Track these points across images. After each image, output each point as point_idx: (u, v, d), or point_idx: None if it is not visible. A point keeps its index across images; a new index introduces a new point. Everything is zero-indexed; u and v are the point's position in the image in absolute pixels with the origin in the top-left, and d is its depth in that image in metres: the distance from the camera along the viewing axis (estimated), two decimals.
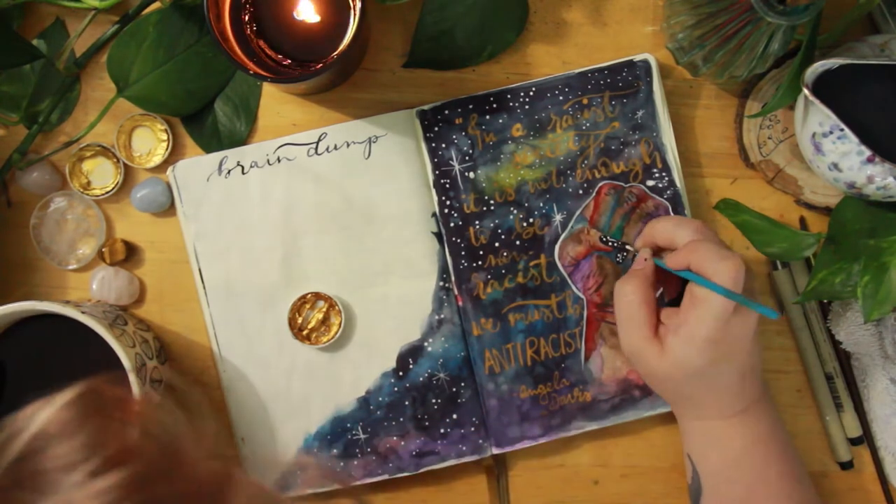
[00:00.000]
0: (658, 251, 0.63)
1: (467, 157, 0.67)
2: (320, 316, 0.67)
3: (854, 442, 0.69)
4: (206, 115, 0.68)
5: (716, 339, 0.57)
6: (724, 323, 0.56)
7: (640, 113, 0.67)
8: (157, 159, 0.67)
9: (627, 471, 0.70)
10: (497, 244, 0.67)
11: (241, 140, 0.68)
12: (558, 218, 0.67)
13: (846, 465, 0.69)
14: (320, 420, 0.67)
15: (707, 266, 0.56)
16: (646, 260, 0.62)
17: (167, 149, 0.67)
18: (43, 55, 0.65)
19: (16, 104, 0.67)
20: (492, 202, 0.67)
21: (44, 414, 0.35)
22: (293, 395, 0.67)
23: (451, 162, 0.67)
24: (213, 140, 0.68)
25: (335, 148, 0.67)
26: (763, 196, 0.69)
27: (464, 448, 0.67)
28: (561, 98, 0.67)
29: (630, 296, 0.60)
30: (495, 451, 0.67)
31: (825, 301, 0.69)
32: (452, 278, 0.67)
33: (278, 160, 0.67)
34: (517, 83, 0.67)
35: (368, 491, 0.69)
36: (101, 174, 0.68)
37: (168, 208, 0.68)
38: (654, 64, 0.67)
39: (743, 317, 0.57)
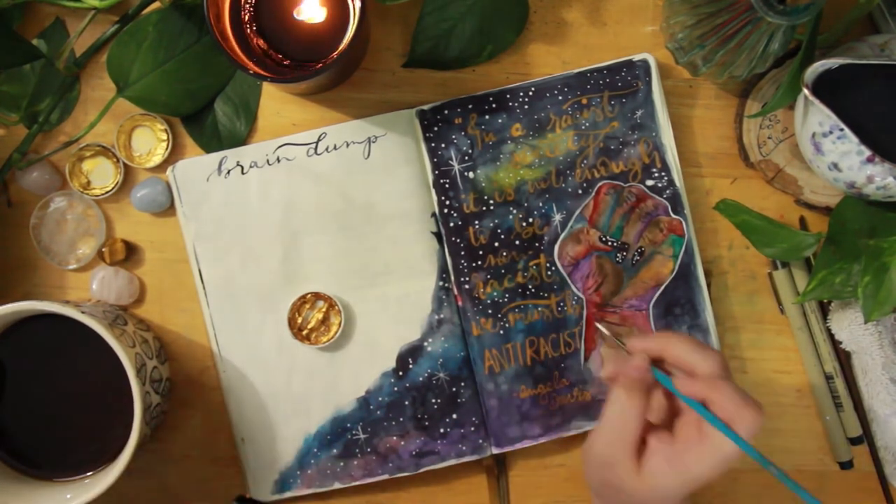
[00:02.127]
0: (658, 363, 0.59)
1: (467, 157, 0.67)
2: (320, 316, 0.67)
3: (854, 442, 0.69)
4: (206, 115, 0.68)
5: (703, 479, 0.54)
6: (717, 467, 0.53)
7: (639, 113, 0.67)
8: (157, 159, 0.67)
9: None
10: (496, 244, 0.67)
11: (241, 140, 0.68)
12: (558, 218, 0.67)
13: (846, 465, 0.69)
14: (320, 420, 0.67)
15: (730, 410, 0.53)
16: (646, 370, 0.57)
17: (167, 149, 0.67)
18: (43, 55, 0.65)
19: (16, 104, 0.67)
20: (491, 202, 0.67)
21: None
22: (293, 394, 0.67)
23: (450, 162, 0.67)
24: (213, 140, 0.68)
25: (335, 148, 0.67)
26: (763, 196, 0.69)
27: (464, 448, 0.67)
28: (560, 98, 0.67)
29: (629, 410, 0.55)
30: (495, 450, 0.67)
31: (825, 301, 0.69)
32: (452, 278, 0.67)
33: (278, 160, 0.67)
34: (517, 83, 0.67)
35: (368, 491, 0.69)
36: (101, 174, 0.68)
37: (168, 208, 0.68)
38: (654, 64, 0.67)
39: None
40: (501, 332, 0.67)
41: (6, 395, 0.62)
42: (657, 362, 0.58)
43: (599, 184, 0.67)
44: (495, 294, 0.67)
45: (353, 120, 0.67)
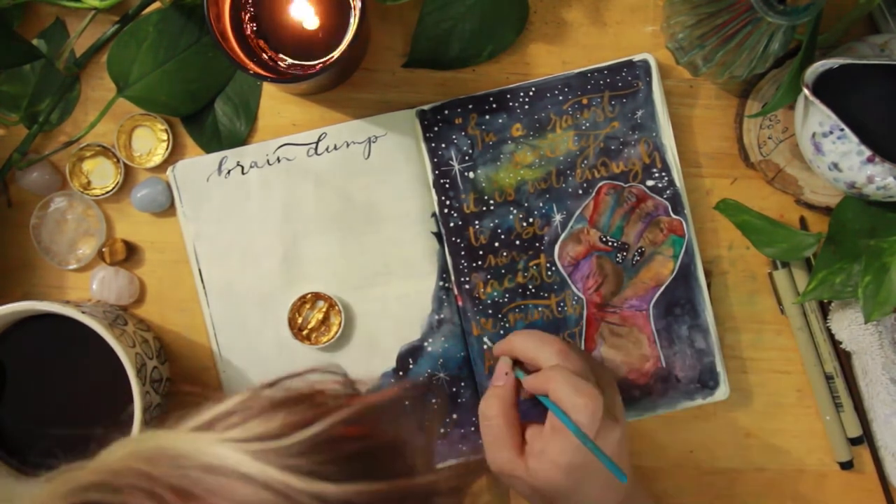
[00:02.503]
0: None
1: (467, 157, 0.67)
2: (320, 316, 0.67)
3: (854, 442, 0.69)
4: (206, 115, 0.68)
5: (579, 464, 0.55)
6: (586, 450, 0.55)
7: (639, 113, 0.67)
8: (157, 159, 0.67)
9: (627, 471, 0.69)
10: (497, 244, 0.67)
11: (241, 140, 0.68)
12: (558, 218, 0.67)
13: (846, 465, 0.69)
14: None
15: (564, 399, 0.55)
16: (507, 374, 0.60)
17: (167, 149, 0.67)
18: (43, 55, 0.65)
19: (16, 104, 0.67)
20: (491, 202, 0.67)
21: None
22: None
23: (450, 162, 0.67)
24: (213, 140, 0.68)
25: (335, 148, 0.67)
26: (763, 196, 0.69)
27: (464, 448, 0.67)
28: (560, 98, 0.67)
29: (493, 420, 0.58)
30: None
31: (825, 301, 0.69)
32: (452, 278, 0.67)
33: (278, 160, 0.67)
34: (517, 83, 0.67)
35: None
36: (101, 174, 0.68)
37: (168, 208, 0.68)
38: (654, 64, 0.67)
39: (605, 435, 0.56)
40: (502, 332, 0.67)
41: (6, 395, 0.62)
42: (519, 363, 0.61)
43: (600, 184, 0.67)
44: (495, 294, 0.67)
45: (353, 120, 0.67)
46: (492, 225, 0.67)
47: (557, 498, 0.57)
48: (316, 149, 0.67)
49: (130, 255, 0.68)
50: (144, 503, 0.32)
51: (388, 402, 0.39)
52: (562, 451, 0.55)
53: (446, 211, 0.67)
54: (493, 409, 0.58)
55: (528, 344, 0.59)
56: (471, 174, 0.67)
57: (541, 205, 0.67)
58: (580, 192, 0.67)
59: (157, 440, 0.35)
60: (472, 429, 0.67)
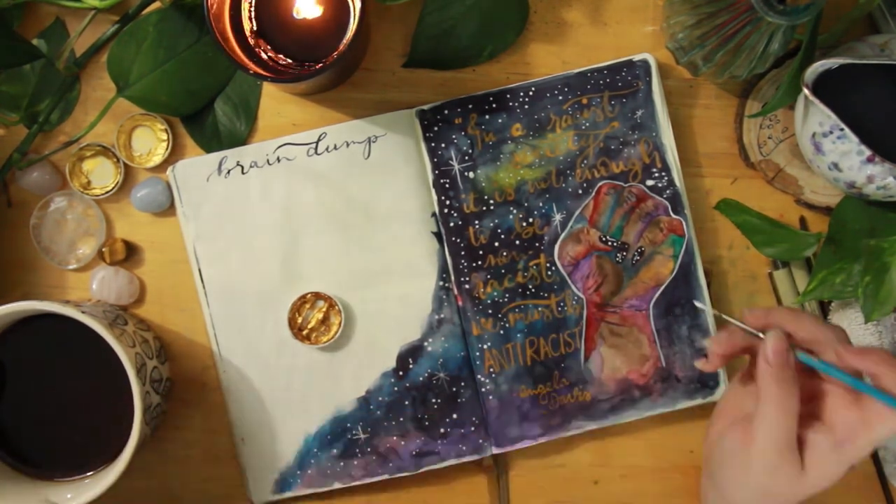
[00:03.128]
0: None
1: (467, 157, 0.67)
2: (320, 316, 0.67)
3: None
4: (206, 115, 0.68)
5: (863, 457, 0.50)
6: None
7: (639, 113, 0.67)
8: (157, 159, 0.67)
9: (627, 471, 0.70)
10: (497, 244, 0.67)
11: (241, 140, 0.68)
12: (558, 218, 0.67)
13: None
14: (320, 420, 0.67)
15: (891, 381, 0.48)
16: (787, 351, 0.51)
17: (167, 149, 0.67)
18: (43, 55, 0.65)
19: (16, 104, 0.67)
20: (491, 202, 0.67)
21: None
22: (293, 394, 0.67)
23: (450, 162, 0.67)
24: (213, 140, 0.68)
25: (335, 148, 0.67)
26: (763, 196, 0.69)
27: (464, 448, 0.67)
28: (560, 98, 0.67)
29: (786, 404, 0.50)
30: (495, 450, 0.67)
31: (825, 301, 0.69)
32: (452, 278, 0.67)
33: (278, 160, 0.67)
34: (517, 83, 0.67)
35: (368, 491, 0.69)
36: (101, 174, 0.68)
37: (168, 208, 0.68)
38: (654, 64, 0.67)
39: None
40: (501, 331, 0.67)
41: (6, 395, 0.62)
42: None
43: (599, 184, 0.67)
44: (495, 294, 0.67)
45: (353, 120, 0.68)
46: (492, 225, 0.67)
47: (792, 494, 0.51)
48: (316, 149, 0.67)
49: (130, 255, 0.68)
50: None
51: None
52: (869, 442, 0.49)
53: (446, 211, 0.67)
54: (786, 390, 0.50)
55: (810, 321, 0.52)
56: (471, 174, 0.67)
57: (541, 205, 0.67)
58: (580, 191, 0.67)
59: None
60: (472, 429, 0.67)
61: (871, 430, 0.49)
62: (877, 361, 0.49)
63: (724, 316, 0.55)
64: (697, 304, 0.65)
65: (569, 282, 0.67)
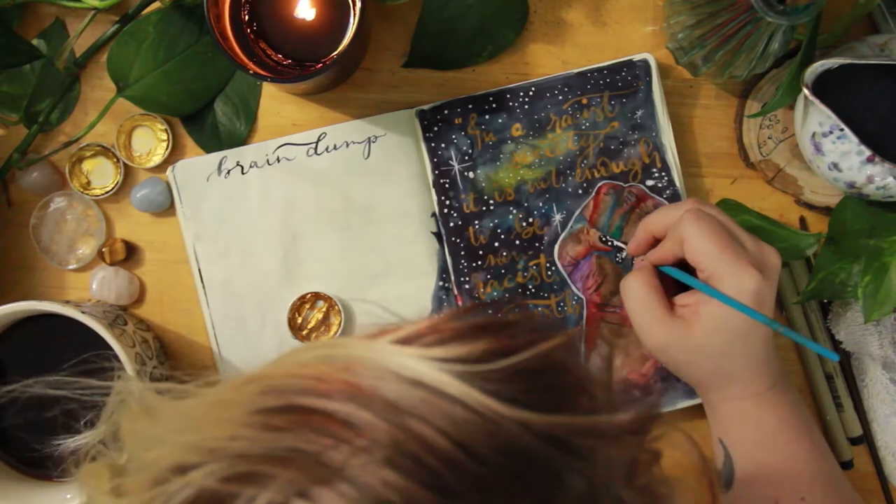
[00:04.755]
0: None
1: (467, 157, 0.67)
2: (320, 316, 0.67)
3: (854, 442, 0.69)
4: (206, 115, 0.68)
5: (737, 325, 0.56)
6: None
7: (639, 113, 0.67)
8: (157, 159, 0.67)
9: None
10: (496, 244, 0.67)
11: (241, 140, 0.68)
12: (558, 218, 0.67)
13: (846, 465, 0.69)
14: None
15: (723, 281, 0.56)
16: (641, 260, 0.61)
17: (167, 149, 0.67)
18: (43, 55, 0.65)
19: (16, 104, 0.67)
20: (491, 202, 0.67)
21: None
22: None
23: (450, 162, 0.67)
24: (213, 140, 0.68)
25: (334, 148, 0.67)
26: (763, 196, 0.69)
27: None
28: (560, 98, 0.67)
29: (637, 288, 0.59)
30: None
31: (825, 301, 0.69)
32: (452, 278, 0.67)
33: (278, 160, 0.67)
34: (517, 83, 0.67)
35: None
36: (101, 174, 0.68)
37: (168, 208, 0.68)
38: (654, 63, 0.67)
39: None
40: None
41: (6, 394, 0.62)
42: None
43: (599, 184, 0.67)
44: (495, 294, 0.67)
45: (353, 120, 0.67)
46: (491, 225, 0.67)
47: (727, 348, 0.57)
48: (316, 149, 0.67)
49: (130, 255, 0.68)
50: (359, 413, 0.31)
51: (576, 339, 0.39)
52: (721, 309, 0.56)
53: (446, 211, 0.67)
54: (633, 278, 0.59)
55: (658, 216, 0.60)
56: (470, 174, 0.67)
57: (540, 205, 0.67)
58: (580, 191, 0.67)
59: (352, 349, 0.34)
60: None
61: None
62: (679, 225, 0.57)
63: (618, 244, 0.67)
64: (617, 242, 0.68)
65: (569, 282, 0.67)
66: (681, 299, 0.59)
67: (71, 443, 0.46)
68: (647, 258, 0.61)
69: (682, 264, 0.59)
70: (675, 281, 0.60)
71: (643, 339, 0.60)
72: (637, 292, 0.59)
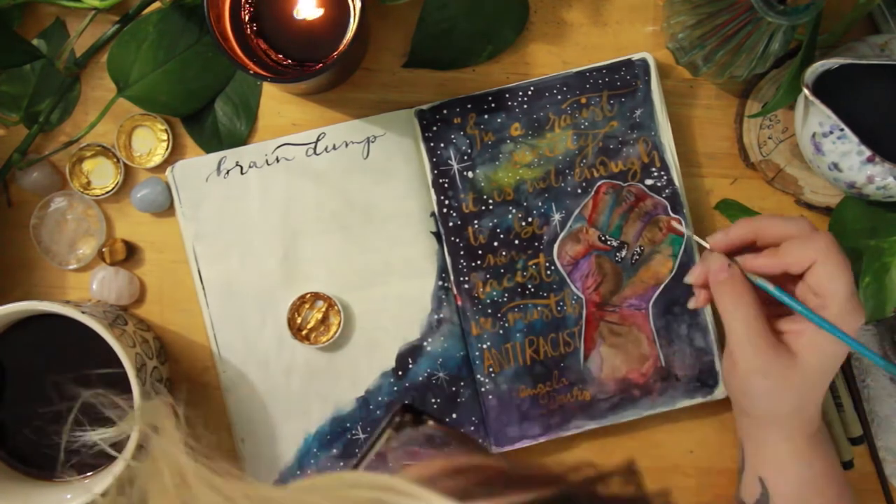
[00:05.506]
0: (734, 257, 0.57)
1: (466, 157, 0.67)
2: (319, 316, 0.67)
3: (854, 442, 0.69)
4: (207, 115, 0.68)
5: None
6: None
7: (638, 112, 0.67)
8: (157, 159, 0.67)
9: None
10: (496, 244, 0.67)
11: (241, 140, 0.68)
12: (557, 217, 0.67)
13: (846, 465, 0.69)
14: (320, 420, 0.67)
15: (844, 322, 0.53)
16: (729, 266, 0.56)
17: (167, 149, 0.67)
18: (43, 55, 0.66)
19: (16, 104, 0.67)
20: (490, 202, 0.67)
21: None
22: (292, 394, 0.67)
23: (449, 161, 0.67)
24: (213, 140, 0.68)
25: (334, 148, 0.67)
26: (763, 196, 0.69)
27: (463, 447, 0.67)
28: (559, 97, 0.67)
29: (744, 301, 0.54)
30: (495, 450, 0.67)
31: None
32: (451, 278, 0.67)
33: (277, 160, 0.67)
34: (516, 83, 0.67)
35: None
36: (101, 174, 0.68)
37: (168, 208, 0.68)
38: (653, 63, 0.67)
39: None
40: (501, 331, 0.67)
41: (6, 395, 0.62)
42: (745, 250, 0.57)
43: (598, 183, 0.67)
44: (494, 294, 0.67)
45: (353, 120, 0.68)
46: (491, 224, 0.67)
47: (814, 386, 0.55)
48: (315, 149, 0.67)
49: (130, 255, 0.68)
50: None
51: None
52: (837, 343, 0.53)
53: (445, 210, 0.67)
54: (737, 289, 0.55)
55: (771, 222, 0.56)
56: (470, 174, 0.67)
57: (540, 204, 0.67)
58: (579, 191, 0.67)
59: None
60: (472, 428, 0.67)
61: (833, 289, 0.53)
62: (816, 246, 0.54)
63: (697, 238, 0.61)
64: (677, 226, 0.66)
65: (568, 281, 0.67)
66: (784, 324, 0.56)
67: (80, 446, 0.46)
68: (742, 263, 0.56)
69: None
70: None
71: (739, 357, 0.55)
72: (745, 306, 0.54)
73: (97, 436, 0.42)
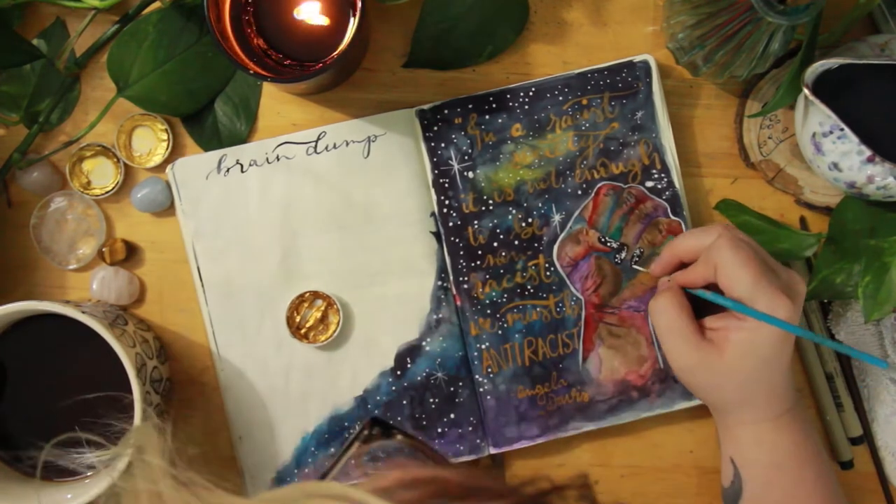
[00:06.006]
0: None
1: (466, 157, 0.67)
2: (318, 315, 0.67)
3: (854, 442, 0.69)
4: (207, 115, 0.68)
5: (770, 353, 0.57)
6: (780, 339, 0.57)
7: (639, 114, 0.67)
8: (157, 159, 0.68)
9: (627, 471, 0.70)
10: (496, 244, 0.67)
11: (241, 140, 0.68)
12: (557, 218, 0.67)
13: (846, 465, 0.69)
14: (318, 419, 0.67)
15: (757, 308, 0.56)
16: (668, 280, 0.61)
17: (167, 148, 0.67)
18: (43, 55, 0.66)
19: (16, 104, 0.67)
20: (491, 202, 0.67)
21: None
22: (291, 393, 0.67)
23: (450, 161, 0.67)
24: (213, 140, 0.68)
25: (334, 147, 0.67)
26: (763, 196, 0.69)
27: (461, 448, 0.67)
28: (560, 98, 0.67)
29: (668, 309, 0.59)
30: (493, 450, 0.67)
31: (825, 301, 0.69)
32: (451, 278, 0.67)
33: (277, 159, 0.67)
34: (517, 83, 0.67)
35: None
36: (102, 174, 0.68)
37: (168, 208, 0.68)
38: (654, 65, 0.67)
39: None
40: (500, 332, 0.67)
41: (6, 395, 0.63)
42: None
43: (599, 185, 0.67)
44: (494, 294, 0.67)
45: (353, 119, 0.68)
46: (491, 225, 0.67)
47: (752, 375, 0.58)
48: (315, 147, 0.67)
49: (130, 255, 0.68)
50: None
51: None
52: (768, 334, 0.56)
53: (445, 210, 0.67)
54: (662, 299, 0.60)
55: (686, 240, 0.60)
56: (470, 174, 0.67)
57: (540, 205, 0.67)
58: (579, 192, 0.67)
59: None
60: (470, 428, 0.67)
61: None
62: (713, 252, 0.57)
63: (637, 267, 0.67)
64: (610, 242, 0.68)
65: (567, 282, 0.67)
66: (710, 322, 0.59)
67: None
68: (673, 279, 0.61)
69: (708, 287, 0.60)
70: (696, 303, 0.60)
71: (670, 359, 0.60)
72: (668, 313, 0.59)
73: (95, 457, 0.43)
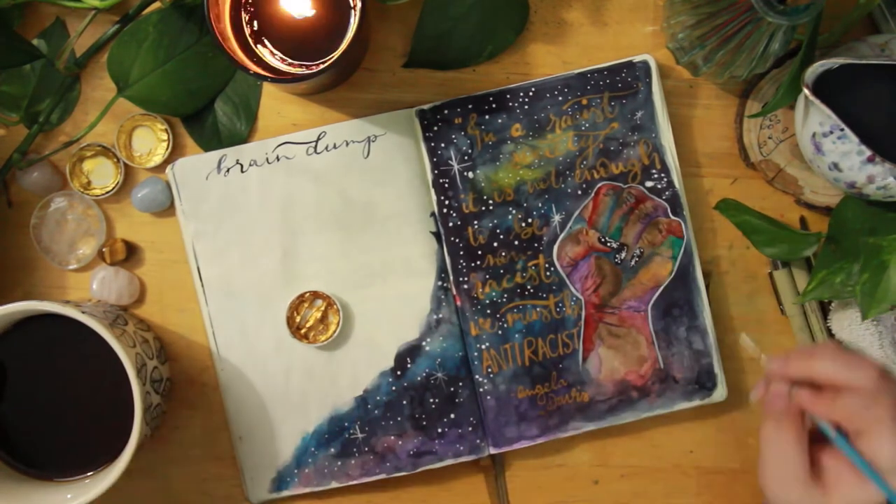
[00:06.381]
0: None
1: (466, 157, 0.67)
2: (318, 315, 0.67)
3: None
4: (207, 115, 0.68)
5: None
6: None
7: (639, 114, 0.67)
8: (157, 159, 0.68)
9: (627, 471, 0.70)
10: (495, 244, 0.67)
11: (241, 140, 0.68)
12: (557, 218, 0.67)
13: None
14: (318, 419, 0.67)
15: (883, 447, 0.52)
16: (786, 396, 0.55)
17: (167, 149, 0.67)
18: (43, 55, 0.66)
19: (16, 104, 0.67)
20: (490, 202, 0.67)
21: None
22: (291, 393, 0.67)
23: (450, 161, 0.67)
24: (213, 140, 0.68)
25: (334, 147, 0.67)
26: (763, 196, 0.69)
27: (461, 448, 0.67)
28: (560, 98, 0.67)
29: (785, 444, 0.54)
30: (493, 451, 0.67)
31: (825, 301, 0.69)
32: (451, 278, 0.67)
33: (277, 159, 0.67)
34: (517, 83, 0.67)
35: (365, 490, 0.69)
36: (102, 174, 0.68)
37: (168, 208, 0.68)
38: (654, 65, 0.67)
39: None
40: (500, 332, 0.67)
41: (6, 395, 0.63)
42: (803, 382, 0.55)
43: (599, 185, 0.67)
44: (494, 294, 0.67)
45: (353, 119, 0.68)
46: (491, 225, 0.67)
47: None
48: (315, 147, 0.67)
49: (130, 255, 0.68)
50: None
51: None
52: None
53: (445, 211, 0.67)
54: (784, 433, 0.54)
55: (833, 365, 0.54)
56: (470, 174, 0.67)
57: (540, 205, 0.67)
58: (579, 192, 0.67)
59: None
60: (470, 428, 0.67)
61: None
62: (866, 418, 0.52)
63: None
64: (744, 342, 0.67)
65: (567, 282, 0.67)
66: (826, 458, 0.55)
67: None
68: (798, 399, 0.55)
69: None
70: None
71: (768, 482, 0.56)
72: (784, 447, 0.54)
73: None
